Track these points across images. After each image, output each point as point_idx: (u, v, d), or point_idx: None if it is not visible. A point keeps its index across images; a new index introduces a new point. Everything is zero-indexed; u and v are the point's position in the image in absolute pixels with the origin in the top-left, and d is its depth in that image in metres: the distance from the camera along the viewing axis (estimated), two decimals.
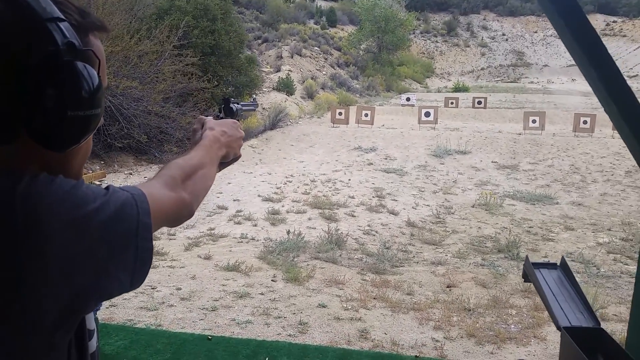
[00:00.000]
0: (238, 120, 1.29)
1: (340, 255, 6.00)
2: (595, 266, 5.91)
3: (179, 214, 0.89)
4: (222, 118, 1.26)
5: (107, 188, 0.75)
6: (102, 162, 11.18)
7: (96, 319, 1.95)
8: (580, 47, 1.03)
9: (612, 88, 1.01)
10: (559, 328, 1.59)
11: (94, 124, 0.74)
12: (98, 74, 0.73)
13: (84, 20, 0.75)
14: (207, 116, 1.21)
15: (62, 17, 0.70)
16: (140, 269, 0.76)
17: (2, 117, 0.68)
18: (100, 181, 10.06)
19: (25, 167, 0.70)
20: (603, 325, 4.14)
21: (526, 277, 2.07)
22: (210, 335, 3.76)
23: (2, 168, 0.69)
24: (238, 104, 1.38)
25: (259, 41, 31.82)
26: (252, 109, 1.54)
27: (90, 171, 10.48)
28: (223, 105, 1.34)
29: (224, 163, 1.13)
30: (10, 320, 0.64)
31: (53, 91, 0.67)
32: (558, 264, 2.00)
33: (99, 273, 0.70)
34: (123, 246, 0.73)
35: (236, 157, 1.17)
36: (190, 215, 0.91)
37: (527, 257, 2.30)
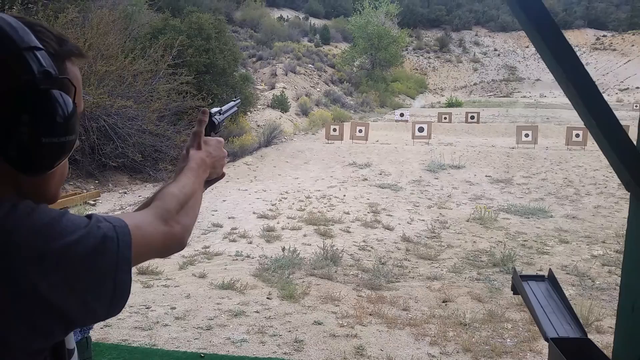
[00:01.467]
0: (221, 125, 1.27)
1: (335, 272, 5.99)
2: (590, 279, 5.92)
3: (169, 247, 0.88)
4: (206, 134, 1.21)
5: (90, 217, 0.75)
6: (97, 182, 11.16)
7: (88, 338, 1.95)
8: (558, 63, 1.06)
9: (589, 103, 1.05)
10: (546, 339, 1.61)
11: (68, 150, 0.75)
12: (74, 100, 0.75)
13: (60, 48, 0.77)
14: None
15: (40, 45, 0.72)
16: (117, 302, 0.76)
17: None
18: (94, 200, 10.03)
19: (2, 191, 0.72)
20: (599, 337, 4.15)
21: (515, 289, 2.09)
22: (202, 353, 3.74)
23: None
24: (220, 113, 1.32)
25: (254, 59, 32.09)
26: (235, 110, 1.48)
27: (85, 191, 10.46)
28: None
29: (208, 182, 1.12)
30: None
31: (28, 118, 0.69)
32: (546, 276, 2.02)
33: (74, 305, 0.70)
34: (101, 279, 0.73)
35: (220, 176, 1.16)
36: (181, 247, 0.91)
37: (514, 269, 2.32)
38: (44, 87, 0.71)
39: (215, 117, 1.26)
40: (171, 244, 0.88)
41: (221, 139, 1.18)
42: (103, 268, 0.72)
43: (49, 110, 0.71)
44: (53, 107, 0.71)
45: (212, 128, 1.23)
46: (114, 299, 0.75)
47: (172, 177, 1.04)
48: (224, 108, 1.37)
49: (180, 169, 1.03)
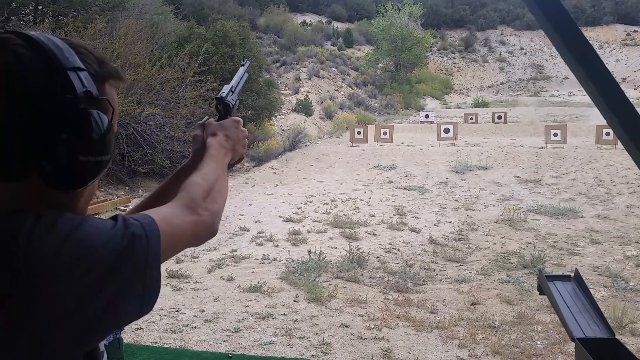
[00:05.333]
0: (236, 106, 1.22)
1: (362, 275, 5.99)
2: (623, 280, 5.78)
3: (200, 236, 0.88)
4: (222, 118, 1.16)
5: (115, 219, 0.75)
6: (127, 188, 11.41)
7: (120, 339, 2.01)
8: (578, 62, 1.06)
9: (611, 101, 1.04)
10: (572, 339, 1.59)
11: (102, 168, 0.77)
12: (111, 121, 0.77)
13: (101, 70, 0.79)
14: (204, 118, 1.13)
15: (82, 66, 0.74)
16: (148, 299, 0.76)
17: (16, 157, 0.71)
18: (124, 206, 10.26)
19: (32, 205, 0.73)
20: (633, 340, 4.05)
21: (541, 290, 2.07)
22: (230, 353, 3.79)
23: (9, 208, 0.72)
24: (232, 91, 1.23)
25: (278, 64, 32.33)
26: (245, 75, 1.35)
27: (115, 197, 10.70)
28: (219, 105, 1.19)
29: (229, 165, 1.10)
30: (16, 352, 0.67)
31: (67, 137, 0.71)
32: (572, 276, 2.00)
33: (106, 308, 0.70)
34: (132, 279, 0.73)
35: (241, 158, 1.14)
36: (212, 234, 0.91)
37: (540, 270, 2.30)
38: (85, 107, 0.73)
39: (229, 98, 1.20)
40: (202, 232, 0.88)
41: (238, 119, 1.15)
42: (133, 268, 0.73)
43: (88, 130, 0.73)
44: (92, 127, 0.73)
45: (228, 111, 1.18)
46: (144, 297, 0.75)
47: (185, 161, 1.09)
48: (234, 82, 1.28)
49: (195, 154, 1.06)
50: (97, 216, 0.79)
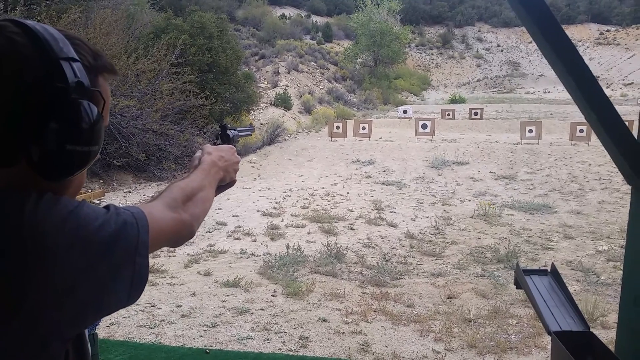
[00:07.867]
0: (234, 145, 1.35)
1: (340, 269, 6.00)
2: (595, 274, 5.91)
3: (180, 234, 0.92)
4: (219, 144, 1.30)
5: (108, 207, 0.79)
6: (101, 181, 11.20)
7: (95, 335, 1.97)
8: (558, 57, 1.06)
9: (589, 96, 1.05)
10: (549, 333, 1.62)
11: (90, 159, 0.78)
12: (101, 113, 0.78)
13: (95, 62, 0.81)
14: (205, 134, 1.25)
15: (76, 57, 0.76)
16: (137, 285, 0.79)
17: (5, 143, 0.73)
18: (99, 200, 10.08)
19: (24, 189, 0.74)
20: (604, 333, 4.15)
21: (518, 284, 2.10)
22: (207, 349, 3.77)
23: (7, 187, 0.74)
24: (235, 130, 1.43)
25: (256, 58, 32.09)
26: (248, 134, 1.61)
27: (90, 190, 10.50)
28: (220, 132, 1.39)
29: (220, 187, 1.17)
30: (11, 330, 0.68)
31: (56, 125, 0.72)
32: (549, 270, 2.03)
33: (98, 289, 0.74)
34: (122, 263, 0.76)
35: (232, 182, 1.21)
36: (190, 235, 0.95)
37: (517, 264, 2.33)
38: (75, 97, 0.74)
39: (231, 130, 1.37)
40: (181, 231, 0.92)
41: (233, 147, 1.25)
42: (124, 252, 0.76)
43: (77, 119, 0.74)
44: (81, 116, 0.74)
45: (227, 140, 1.33)
46: (133, 283, 0.78)
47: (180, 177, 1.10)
48: (239, 128, 1.50)
49: (192, 170, 1.09)
50: None
